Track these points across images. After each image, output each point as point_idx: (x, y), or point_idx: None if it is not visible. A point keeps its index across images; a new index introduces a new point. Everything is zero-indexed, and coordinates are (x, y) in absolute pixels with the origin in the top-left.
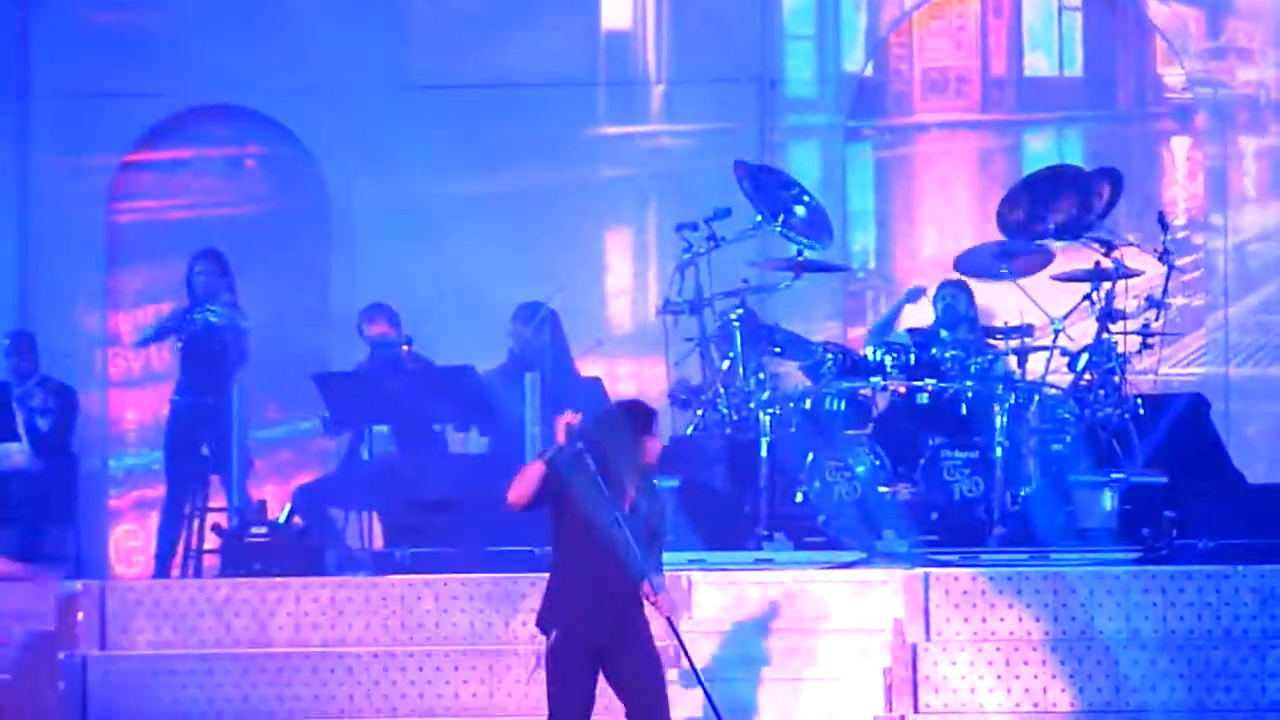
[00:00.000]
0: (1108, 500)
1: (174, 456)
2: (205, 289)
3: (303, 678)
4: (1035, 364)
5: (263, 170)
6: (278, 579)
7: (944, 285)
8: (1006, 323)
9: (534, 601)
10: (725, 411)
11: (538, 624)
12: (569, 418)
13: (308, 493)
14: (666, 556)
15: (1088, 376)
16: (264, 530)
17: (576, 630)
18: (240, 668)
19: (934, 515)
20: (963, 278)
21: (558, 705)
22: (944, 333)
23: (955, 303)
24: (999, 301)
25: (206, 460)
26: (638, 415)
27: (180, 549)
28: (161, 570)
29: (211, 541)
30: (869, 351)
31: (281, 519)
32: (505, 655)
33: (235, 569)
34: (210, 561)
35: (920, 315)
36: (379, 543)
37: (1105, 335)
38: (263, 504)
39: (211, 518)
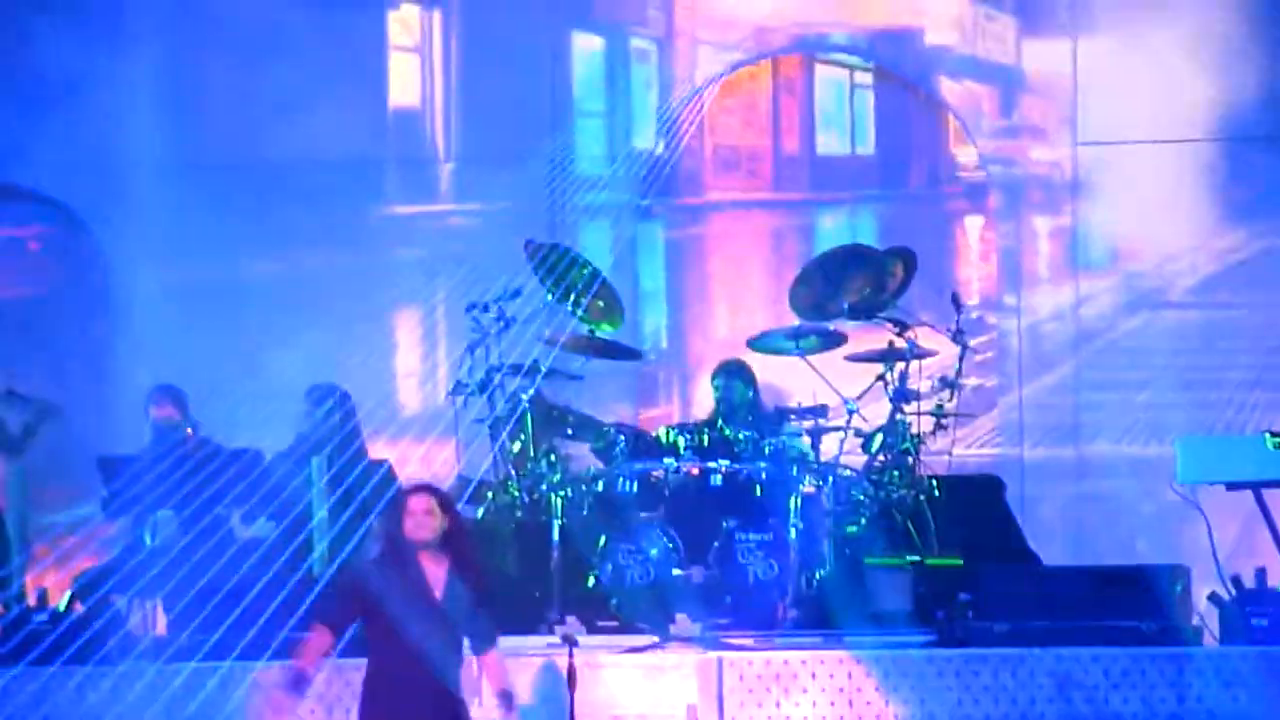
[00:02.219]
0: (902, 583)
1: None
2: None
3: None
4: (829, 445)
5: (45, 251)
6: (59, 668)
7: (717, 374)
8: (800, 403)
9: (319, 687)
10: (516, 494)
11: None
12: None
13: (89, 579)
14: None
15: (882, 458)
16: (44, 618)
17: None
18: None
19: (728, 598)
20: (741, 361)
21: None
22: (720, 422)
23: (730, 392)
24: (792, 381)
25: None
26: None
27: None
28: None
29: None
30: (661, 432)
31: (62, 606)
32: None
33: (15, 658)
34: None
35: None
36: (162, 629)
37: (899, 416)
38: (43, 591)
39: None
